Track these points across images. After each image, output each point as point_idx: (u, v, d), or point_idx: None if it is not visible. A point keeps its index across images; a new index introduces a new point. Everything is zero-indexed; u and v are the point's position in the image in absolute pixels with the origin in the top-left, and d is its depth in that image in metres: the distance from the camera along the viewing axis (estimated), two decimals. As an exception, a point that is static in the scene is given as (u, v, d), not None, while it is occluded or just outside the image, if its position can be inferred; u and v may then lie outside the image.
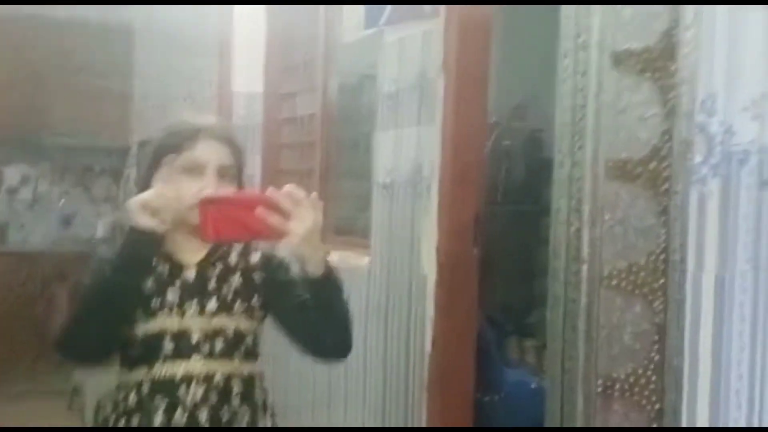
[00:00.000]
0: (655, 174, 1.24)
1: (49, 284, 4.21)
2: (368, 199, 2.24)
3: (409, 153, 2.04)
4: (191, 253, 1.31)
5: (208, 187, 1.24)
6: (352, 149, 2.54)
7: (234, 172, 1.31)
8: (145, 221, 1.19)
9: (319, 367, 2.35)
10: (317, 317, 1.24)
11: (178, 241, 1.31)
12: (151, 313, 1.27)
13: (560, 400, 1.30)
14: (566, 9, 1.31)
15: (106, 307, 1.24)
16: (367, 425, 2.17)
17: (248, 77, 3.10)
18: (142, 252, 1.23)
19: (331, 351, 1.33)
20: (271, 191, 1.16)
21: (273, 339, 1.35)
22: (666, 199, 1.22)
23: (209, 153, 1.27)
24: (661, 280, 1.21)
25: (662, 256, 1.22)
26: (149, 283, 1.28)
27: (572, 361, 1.29)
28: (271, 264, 1.34)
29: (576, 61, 1.29)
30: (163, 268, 1.30)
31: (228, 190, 1.27)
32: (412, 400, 1.98)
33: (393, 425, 2.04)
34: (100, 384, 1.38)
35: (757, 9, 1.08)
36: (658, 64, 1.23)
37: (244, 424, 1.29)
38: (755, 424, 1.03)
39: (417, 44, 2.00)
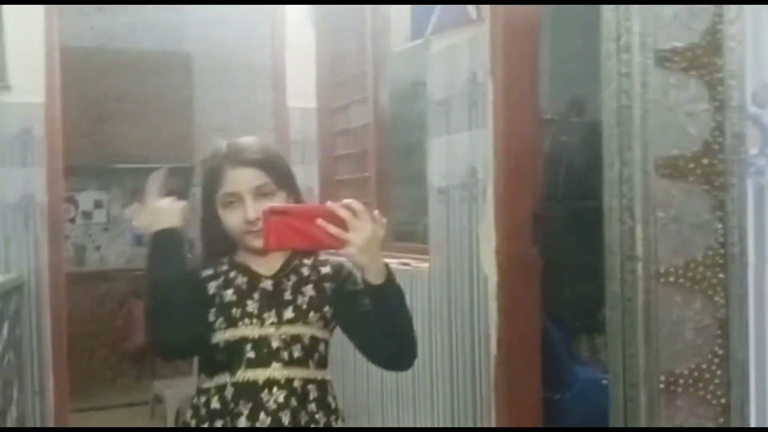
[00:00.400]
0: (709, 169, 1.24)
1: (126, 301, 4.41)
2: (425, 204, 2.27)
3: (463, 157, 2.06)
4: (267, 266, 1.38)
5: (249, 213, 1.31)
6: (405, 156, 2.58)
7: (272, 188, 1.35)
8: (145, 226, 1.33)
9: (388, 372, 2.40)
10: (380, 326, 1.29)
11: (252, 256, 1.38)
12: (232, 322, 1.34)
13: (623, 397, 1.30)
14: (606, 11, 1.32)
15: (166, 301, 1.32)
16: (439, 425, 2.20)
17: (302, 94, 3.19)
18: (164, 248, 1.33)
19: (396, 360, 1.37)
20: (330, 204, 1.22)
21: (342, 344, 1.40)
22: (721, 194, 1.22)
23: (238, 181, 1.33)
24: (721, 275, 1.21)
25: (720, 251, 1.22)
26: (229, 294, 1.35)
27: (633, 359, 1.29)
28: (340, 275, 1.40)
29: (619, 63, 1.29)
30: (242, 280, 1.37)
31: (290, 204, 1.34)
32: (480, 401, 2.00)
33: (463, 426, 2.07)
34: (180, 392, 1.46)
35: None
36: (703, 60, 1.24)
37: (319, 428, 1.34)
38: None
39: (464, 50, 2.03)
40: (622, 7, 1.30)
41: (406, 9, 2.37)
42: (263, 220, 1.24)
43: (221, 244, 1.41)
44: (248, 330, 1.34)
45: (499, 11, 1.88)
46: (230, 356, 1.34)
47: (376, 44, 2.74)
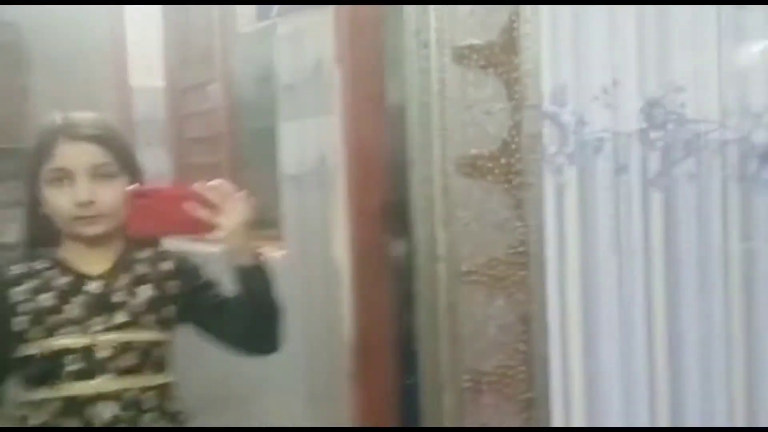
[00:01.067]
0: (507, 168, 1.26)
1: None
2: (278, 191, 2.22)
3: (313, 144, 2.03)
4: (95, 264, 1.26)
5: (81, 193, 1.19)
6: (258, 141, 2.51)
7: (113, 169, 1.24)
8: None
9: (245, 363, 2.35)
10: (249, 309, 1.23)
11: (79, 252, 1.26)
12: (49, 331, 1.22)
13: (431, 397, 1.34)
14: (407, 7, 1.31)
15: None
16: (296, 414, 2.19)
17: (147, 72, 3.00)
18: None
19: (264, 344, 1.33)
20: (198, 185, 1.15)
21: (188, 342, 1.34)
22: (520, 192, 1.25)
23: (73, 156, 1.20)
24: (522, 272, 1.25)
25: (521, 249, 1.26)
26: (46, 298, 1.22)
27: (437, 359, 1.33)
28: (184, 270, 1.32)
29: (419, 59, 1.29)
30: (63, 281, 1.24)
31: (155, 185, 1.24)
32: (337, 388, 2.01)
33: (320, 413, 2.07)
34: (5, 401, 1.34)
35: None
36: (501, 58, 1.25)
37: None
38: (631, 405, 1.10)
39: (310, 35, 1.98)
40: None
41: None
42: (128, 203, 1.15)
43: (44, 234, 1.27)
44: (69, 339, 1.22)
45: (343, -5, 1.84)
46: (49, 369, 1.22)
47: (223, 23, 2.62)
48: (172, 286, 1.30)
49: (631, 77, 1.20)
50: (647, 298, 1.19)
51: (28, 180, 1.25)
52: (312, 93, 2.01)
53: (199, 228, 1.16)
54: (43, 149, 1.21)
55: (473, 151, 1.27)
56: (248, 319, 1.25)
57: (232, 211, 1.16)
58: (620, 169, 1.07)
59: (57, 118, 1.25)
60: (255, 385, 2.40)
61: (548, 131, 1.14)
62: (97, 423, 1.21)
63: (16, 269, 1.25)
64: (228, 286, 1.29)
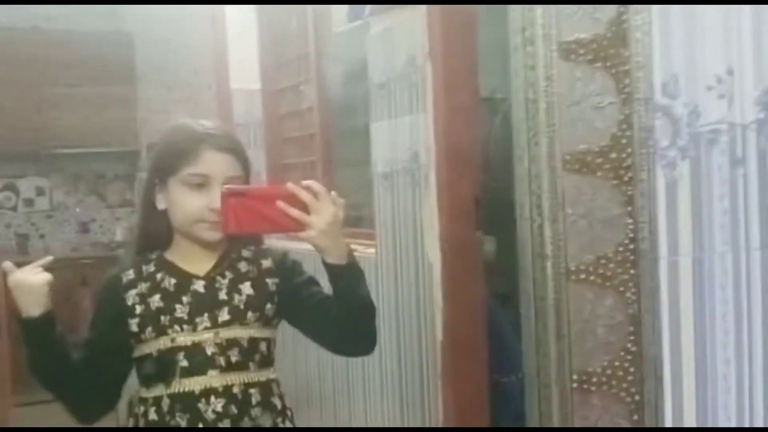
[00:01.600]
0: (617, 163, 1.22)
1: (73, 291, 4.29)
2: (370, 189, 2.24)
3: (405, 142, 2.03)
4: (199, 264, 1.31)
5: (216, 200, 1.22)
6: (352, 139, 2.53)
7: (243, 182, 1.28)
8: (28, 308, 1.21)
9: (338, 361, 2.39)
10: (341, 309, 1.24)
11: (185, 253, 1.31)
12: (161, 330, 1.27)
13: (537, 397, 1.30)
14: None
15: (62, 386, 1.30)
16: (386, 413, 2.20)
17: (245, 75, 3.10)
18: (38, 337, 1.24)
19: (358, 344, 1.33)
20: (291, 185, 1.17)
21: (294, 336, 1.35)
22: (630, 188, 1.20)
23: (215, 165, 1.26)
24: (632, 271, 1.20)
25: (631, 247, 1.21)
26: (157, 299, 1.28)
27: (546, 358, 1.28)
28: (284, 268, 1.34)
29: (525, 56, 1.26)
30: (170, 282, 1.29)
31: (249, 185, 1.28)
32: (428, 387, 2.00)
33: (411, 413, 2.07)
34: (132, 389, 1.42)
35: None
36: (609, 52, 1.21)
37: None
38: (745, 408, 1.02)
39: (402, 32, 1.98)
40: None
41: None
42: (221, 202, 1.19)
43: (156, 237, 1.33)
44: (180, 338, 1.27)
45: (438, -7, 1.83)
46: (163, 367, 1.28)
47: (318, 24, 2.66)
48: (273, 283, 1.32)
49: (748, 65, 1.12)
50: (765, 296, 1.10)
51: (157, 178, 1.30)
52: (404, 91, 2.01)
53: (290, 226, 1.17)
54: (187, 153, 1.26)
55: (582, 147, 1.24)
56: (342, 318, 1.25)
57: (323, 210, 1.16)
58: (736, 163, 1.00)
59: (193, 124, 1.31)
60: (348, 383, 2.43)
61: (660, 124, 1.08)
62: (207, 417, 1.25)
63: (128, 274, 1.32)
64: (326, 285, 1.30)
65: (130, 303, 1.30)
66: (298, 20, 2.81)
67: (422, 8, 1.88)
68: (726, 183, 1.01)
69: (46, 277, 1.22)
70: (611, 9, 1.20)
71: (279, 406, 1.33)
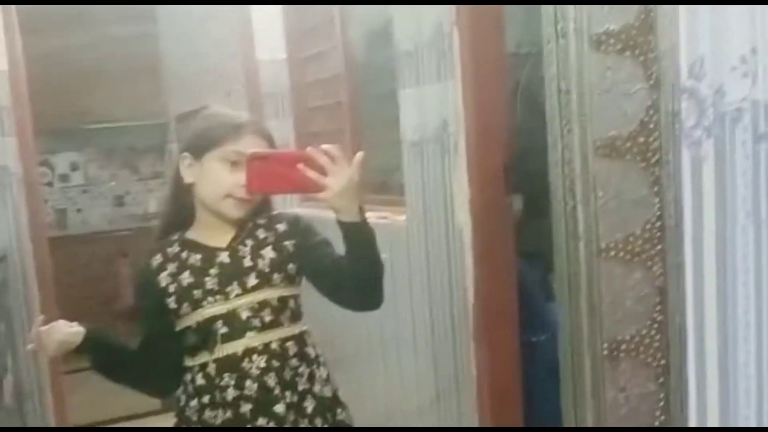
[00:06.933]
0: (645, 147, 1.27)
1: (112, 262, 4.43)
2: (399, 156, 2.27)
3: (433, 109, 2.05)
4: (221, 237, 1.40)
5: (245, 179, 1.31)
6: (379, 107, 2.55)
7: None
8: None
9: (372, 320, 2.46)
10: (353, 265, 1.31)
11: (206, 230, 1.40)
12: (196, 304, 1.36)
13: (571, 364, 1.37)
14: None
15: (134, 377, 1.46)
16: (419, 374, 2.27)
17: (270, 45, 3.12)
18: (96, 352, 1.41)
19: (368, 299, 1.39)
20: (311, 149, 1.25)
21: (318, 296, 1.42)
22: (657, 169, 1.26)
23: (252, 147, 1.34)
24: (659, 246, 1.27)
25: (658, 224, 1.27)
26: (186, 276, 1.37)
27: (579, 329, 1.35)
28: (298, 230, 1.43)
29: (557, 48, 1.30)
30: (196, 258, 1.39)
31: (271, 150, 1.38)
32: (460, 348, 2.06)
33: (444, 374, 2.14)
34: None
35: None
36: (638, 40, 1.25)
37: (304, 379, 1.39)
38: (764, 367, 1.06)
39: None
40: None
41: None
42: (246, 165, 1.28)
43: (180, 214, 1.42)
44: (215, 308, 1.37)
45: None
46: (204, 336, 1.37)
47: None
48: (291, 245, 1.41)
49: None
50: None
51: (183, 154, 1.40)
52: (432, 58, 2.02)
53: (309, 187, 1.24)
54: (231, 132, 1.37)
55: (612, 133, 1.29)
56: (354, 275, 1.32)
57: (340, 173, 1.23)
58: (759, 138, 1.02)
59: (236, 113, 1.45)
60: (381, 344, 2.51)
61: (685, 106, 1.11)
62: (253, 374, 1.35)
63: (157, 259, 1.41)
64: (339, 247, 1.36)
65: (163, 285, 1.39)
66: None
67: (447, -25, 1.87)
68: (749, 157, 1.03)
69: (74, 328, 1.40)
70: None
71: (312, 354, 1.43)
